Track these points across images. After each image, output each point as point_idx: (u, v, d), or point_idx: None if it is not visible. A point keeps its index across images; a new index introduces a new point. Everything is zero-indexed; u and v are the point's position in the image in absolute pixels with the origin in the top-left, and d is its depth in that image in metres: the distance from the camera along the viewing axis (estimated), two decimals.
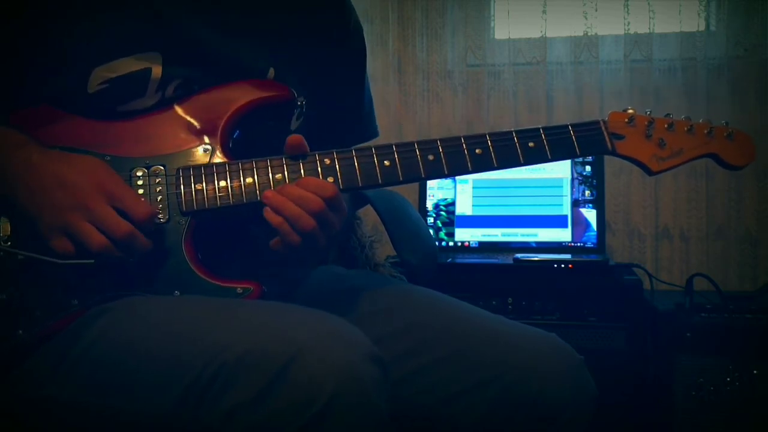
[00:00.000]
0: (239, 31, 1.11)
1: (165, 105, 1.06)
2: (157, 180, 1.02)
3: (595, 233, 2.25)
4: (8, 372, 0.97)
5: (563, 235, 2.27)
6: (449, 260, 2.15)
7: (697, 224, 2.44)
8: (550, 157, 1.06)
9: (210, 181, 1.01)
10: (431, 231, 2.28)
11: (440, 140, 1.05)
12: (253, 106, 1.07)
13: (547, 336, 1.07)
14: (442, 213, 2.33)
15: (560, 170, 2.27)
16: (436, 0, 2.58)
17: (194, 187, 1.01)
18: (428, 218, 2.32)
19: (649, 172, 1.10)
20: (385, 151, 1.04)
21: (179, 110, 1.06)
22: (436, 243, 2.27)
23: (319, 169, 1.02)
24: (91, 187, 0.94)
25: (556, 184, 2.28)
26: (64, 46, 1.04)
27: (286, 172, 1.02)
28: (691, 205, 2.44)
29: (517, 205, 2.31)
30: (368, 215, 1.52)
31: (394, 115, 2.62)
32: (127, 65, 1.04)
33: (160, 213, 1.01)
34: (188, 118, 1.06)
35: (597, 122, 1.09)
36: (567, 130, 1.07)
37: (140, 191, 1.01)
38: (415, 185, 2.34)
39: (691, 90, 2.41)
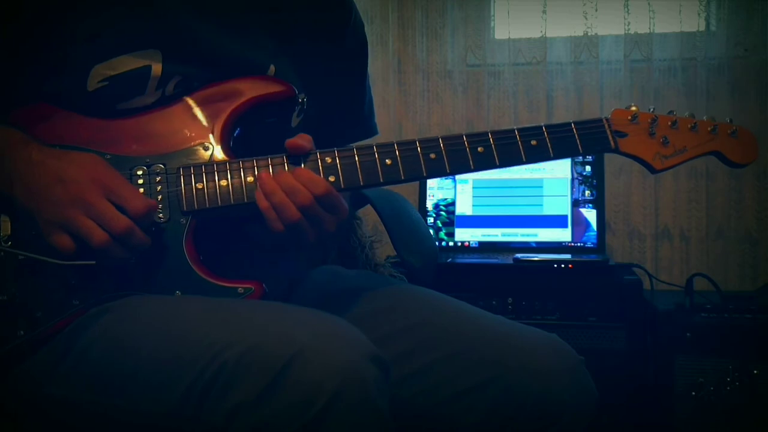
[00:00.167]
0: (240, 27, 1.11)
1: (165, 102, 1.06)
2: (158, 179, 1.01)
3: (595, 233, 2.25)
4: (8, 372, 0.96)
5: (563, 235, 2.27)
6: (449, 260, 2.15)
7: (697, 224, 2.44)
8: (552, 155, 1.05)
9: (211, 179, 1.01)
10: (431, 231, 2.28)
11: (442, 138, 1.04)
12: (254, 103, 1.06)
13: (547, 336, 1.06)
14: (442, 213, 2.32)
15: (560, 170, 2.27)
16: (436, 0, 2.58)
17: (195, 185, 1.01)
18: (428, 218, 2.32)
19: (653, 170, 1.10)
20: (386, 149, 1.03)
21: (179, 108, 1.05)
22: (436, 243, 2.27)
23: (321, 167, 1.02)
24: (89, 181, 0.93)
25: (556, 184, 2.28)
26: (64, 44, 1.03)
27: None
28: (691, 205, 2.44)
29: (517, 205, 2.30)
30: (368, 215, 1.52)
31: (394, 115, 2.62)
32: (127, 63, 1.04)
33: (160, 212, 1.00)
34: (189, 115, 1.05)
35: (600, 120, 1.08)
36: (570, 127, 1.06)
37: (141, 190, 1.00)
38: (415, 185, 2.33)
39: (691, 90, 2.41)
